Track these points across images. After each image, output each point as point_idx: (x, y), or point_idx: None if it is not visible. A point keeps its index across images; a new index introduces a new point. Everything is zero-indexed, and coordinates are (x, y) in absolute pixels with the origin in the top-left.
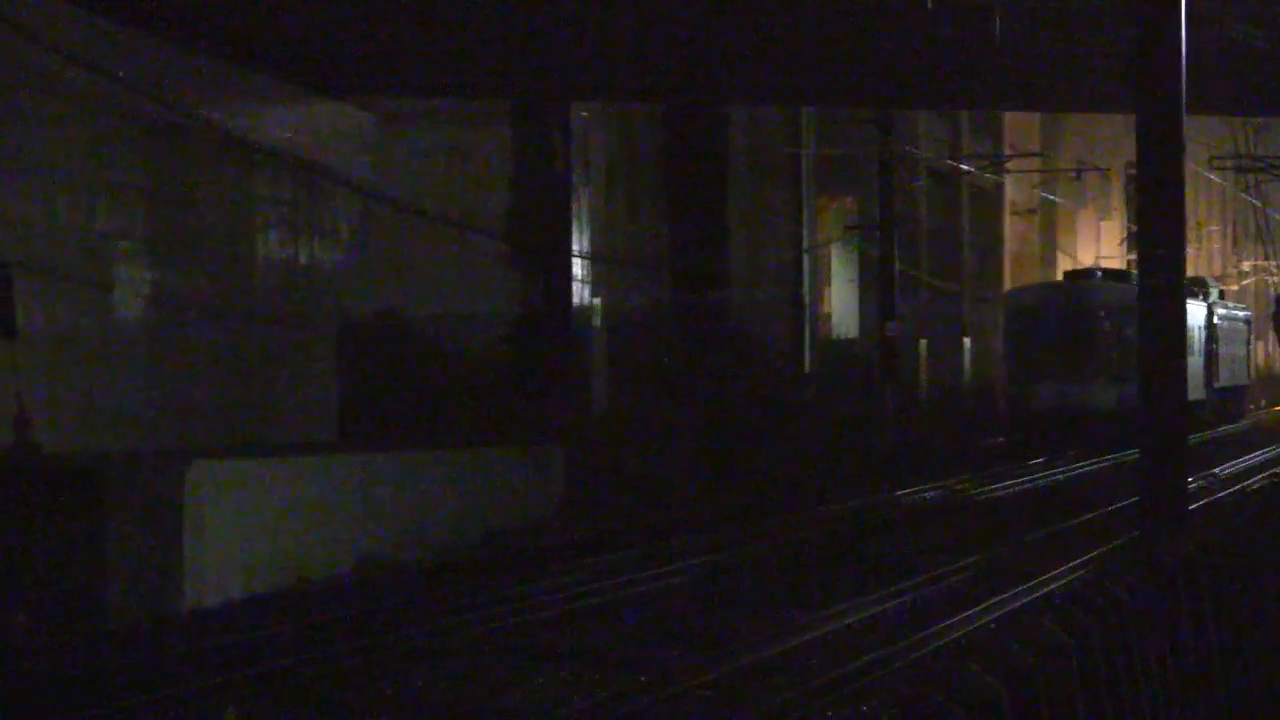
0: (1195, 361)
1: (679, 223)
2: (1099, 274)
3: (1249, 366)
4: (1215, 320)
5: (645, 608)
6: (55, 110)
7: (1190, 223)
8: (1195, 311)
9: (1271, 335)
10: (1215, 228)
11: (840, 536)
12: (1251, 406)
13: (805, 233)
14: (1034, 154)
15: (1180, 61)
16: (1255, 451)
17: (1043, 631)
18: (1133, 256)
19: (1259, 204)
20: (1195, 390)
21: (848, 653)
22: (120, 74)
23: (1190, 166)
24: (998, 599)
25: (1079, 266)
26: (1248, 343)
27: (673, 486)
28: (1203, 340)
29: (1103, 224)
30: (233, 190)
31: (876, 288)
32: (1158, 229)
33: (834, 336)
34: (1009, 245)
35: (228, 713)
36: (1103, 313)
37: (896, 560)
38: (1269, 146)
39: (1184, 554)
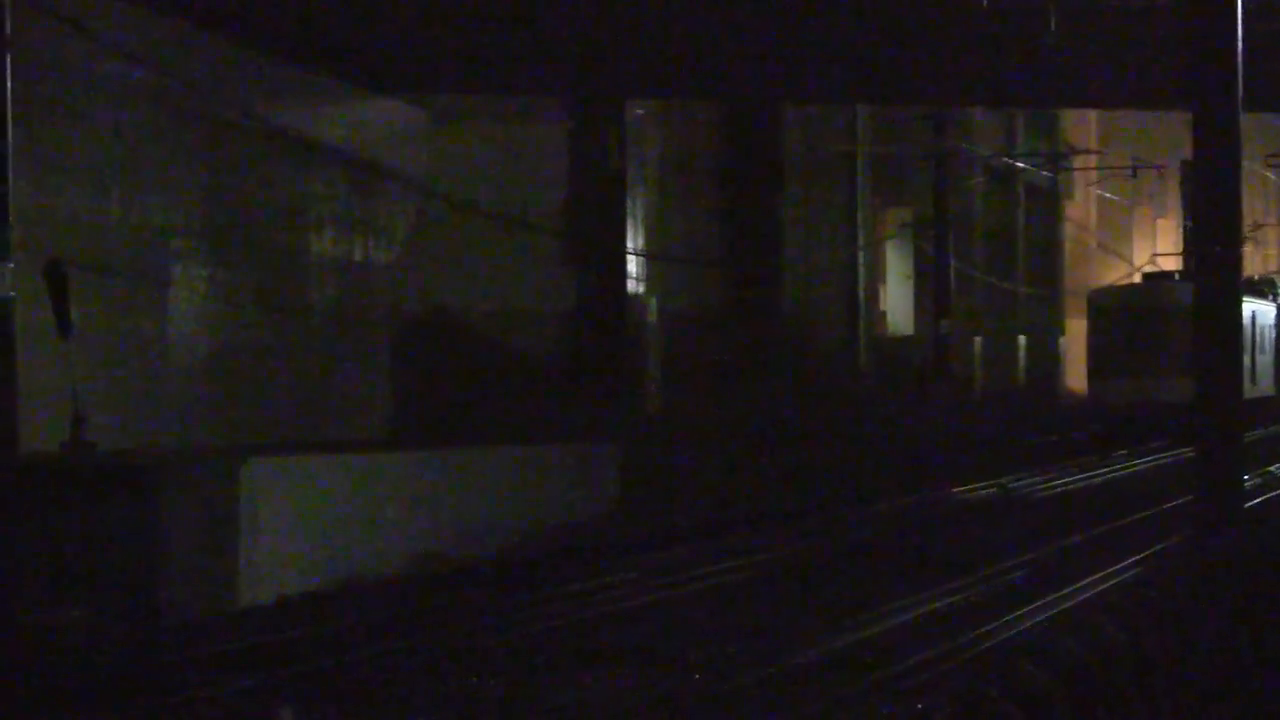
0: (1266, 359)
1: (734, 221)
2: (1175, 276)
3: None
4: None
5: (699, 605)
6: (112, 108)
7: (1246, 220)
8: (1266, 310)
9: None
10: (1271, 224)
11: (895, 534)
12: None
13: (860, 231)
14: (1090, 151)
15: (1236, 58)
16: None
17: (1098, 629)
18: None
19: None
20: (1266, 387)
21: (902, 650)
22: (176, 72)
23: (1246, 164)
24: (1053, 596)
25: (1134, 265)
26: None
27: (727, 484)
28: (1274, 339)
29: (1159, 222)
30: (288, 187)
31: (931, 286)
32: (1214, 226)
33: (889, 334)
34: (1066, 243)
35: (282, 711)
36: (1178, 313)
37: (952, 557)
38: None
39: (1239, 552)
